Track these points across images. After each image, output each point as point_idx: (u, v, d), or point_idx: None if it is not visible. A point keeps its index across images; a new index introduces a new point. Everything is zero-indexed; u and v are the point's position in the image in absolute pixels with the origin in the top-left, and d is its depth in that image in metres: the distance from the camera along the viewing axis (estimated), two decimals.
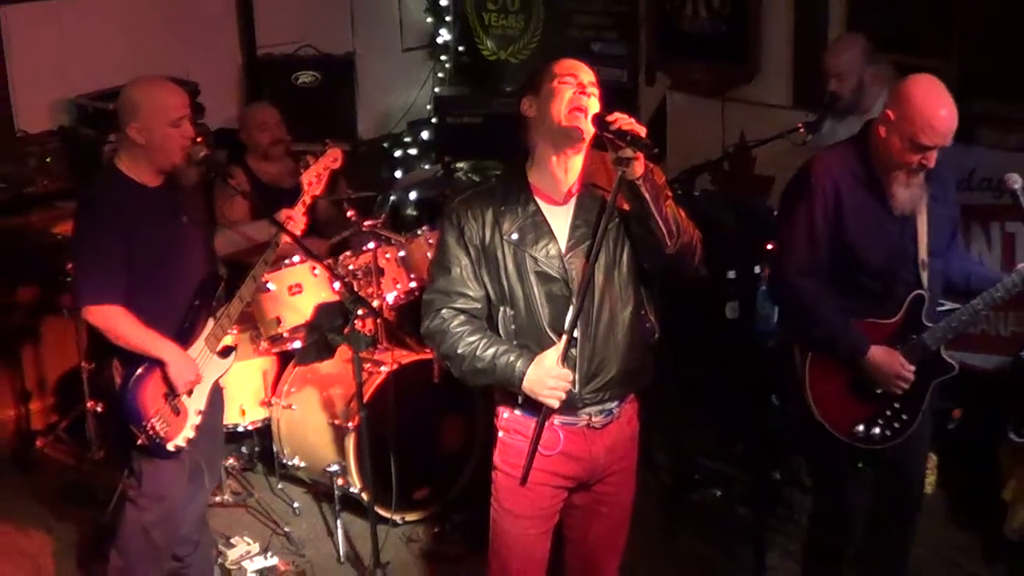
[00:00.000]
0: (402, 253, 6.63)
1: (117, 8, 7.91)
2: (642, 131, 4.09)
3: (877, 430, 4.94)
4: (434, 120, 9.14)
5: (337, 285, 6.20)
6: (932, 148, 4.60)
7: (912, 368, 4.83)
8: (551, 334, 4.27)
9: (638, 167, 4.08)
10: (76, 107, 7.81)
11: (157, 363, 5.11)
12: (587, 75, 4.31)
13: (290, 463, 6.70)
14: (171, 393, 5.17)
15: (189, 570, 5.73)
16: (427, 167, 9.12)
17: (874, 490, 5.27)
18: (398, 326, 6.79)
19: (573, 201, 4.33)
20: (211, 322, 5.34)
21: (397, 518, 6.37)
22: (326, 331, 6.07)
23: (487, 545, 4.59)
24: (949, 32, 6.44)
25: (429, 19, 9.34)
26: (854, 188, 4.82)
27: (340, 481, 6.30)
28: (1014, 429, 5.83)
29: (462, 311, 4.35)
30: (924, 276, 4.84)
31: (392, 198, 8.07)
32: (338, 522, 6.31)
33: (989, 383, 6.50)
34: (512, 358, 4.25)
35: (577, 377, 4.28)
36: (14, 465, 7.20)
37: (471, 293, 4.35)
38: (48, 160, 7.50)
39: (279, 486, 6.88)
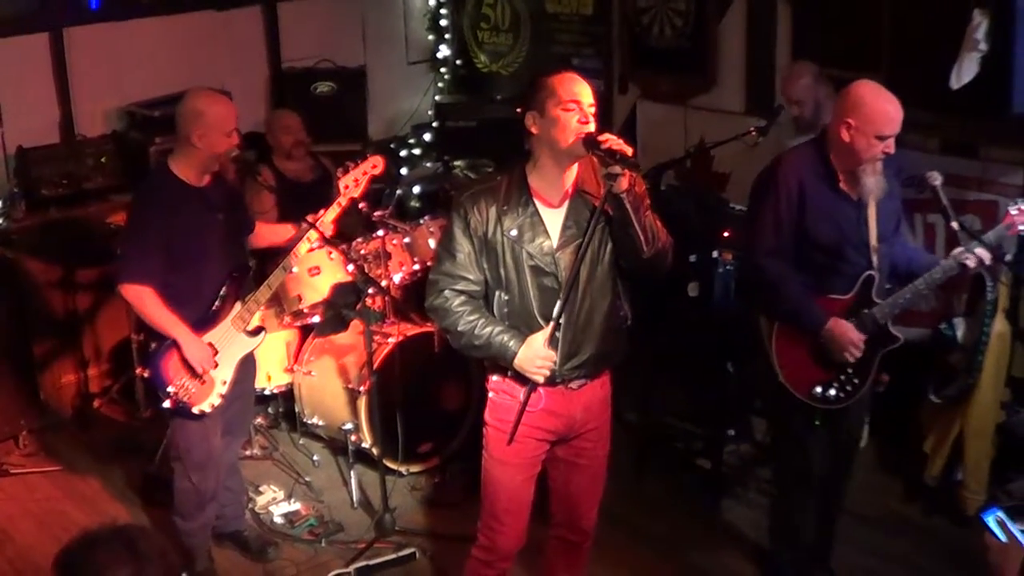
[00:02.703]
0: (407, 239, 6.63)
1: (163, 29, 7.89)
2: (629, 150, 4.09)
3: (832, 392, 4.99)
4: (435, 124, 9.12)
5: (351, 267, 6.19)
6: (892, 135, 4.70)
7: (863, 338, 4.87)
8: (540, 319, 4.31)
9: (624, 182, 4.12)
10: (127, 114, 7.79)
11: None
12: (588, 96, 4.27)
13: (310, 422, 6.70)
14: (192, 367, 5.21)
15: (225, 510, 5.79)
16: (429, 165, 9.10)
17: (823, 435, 5.31)
18: (404, 303, 6.79)
19: (567, 204, 4.34)
20: (239, 305, 5.37)
21: (403, 469, 6.41)
22: (341, 307, 6.07)
23: (480, 491, 4.62)
24: (879, 49, 6.44)
25: (431, 36, 9.31)
26: (815, 183, 4.88)
27: (353, 437, 6.32)
28: (934, 391, 5.85)
29: (463, 292, 4.38)
30: (875, 258, 4.90)
31: (398, 192, 8.06)
32: (352, 473, 6.32)
33: (912, 352, 6.51)
34: (506, 338, 4.29)
35: (558, 356, 4.32)
36: (75, 422, 7.21)
37: (471, 277, 4.38)
38: (103, 160, 7.48)
39: (300, 442, 6.90)
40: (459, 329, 4.35)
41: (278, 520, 6.14)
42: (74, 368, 7.31)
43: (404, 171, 8.97)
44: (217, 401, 5.30)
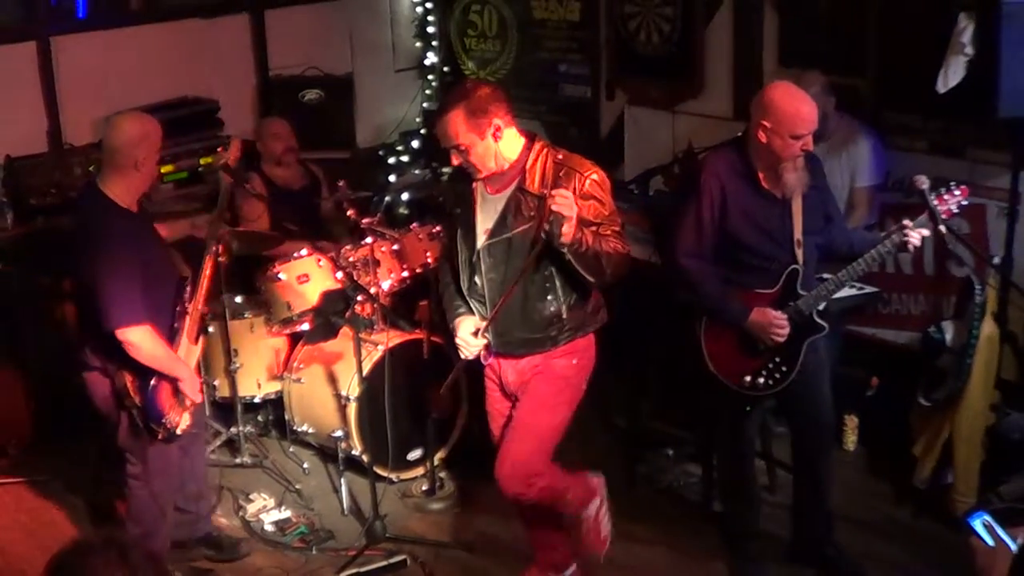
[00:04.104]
0: (396, 246, 6.63)
1: (150, 37, 7.88)
2: (566, 214, 4.31)
3: (762, 380, 5.17)
4: (423, 131, 9.12)
5: (340, 275, 6.19)
6: (808, 134, 4.84)
7: (785, 317, 5.03)
8: (466, 293, 4.85)
9: (563, 238, 4.33)
10: None
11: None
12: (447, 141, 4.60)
13: (300, 429, 6.70)
14: (178, 393, 5.21)
15: (199, 518, 5.87)
16: (417, 172, 9.10)
17: (790, 426, 5.58)
18: (393, 310, 6.79)
19: (507, 193, 4.61)
20: (187, 319, 5.37)
21: (393, 476, 6.40)
22: (330, 315, 6.05)
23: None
24: (865, 55, 6.46)
25: (418, 44, 9.30)
26: (737, 183, 5.04)
27: (343, 445, 6.31)
28: (923, 394, 5.87)
29: (451, 270, 4.93)
30: (799, 253, 5.05)
31: (387, 199, 8.06)
32: (342, 480, 6.30)
33: (902, 355, 6.54)
34: (451, 311, 4.95)
35: (491, 334, 4.80)
36: (65, 432, 7.13)
37: (449, 253, 4.96)
38: (91, 169, 7.42)
39: (291, 449, 6.89)
40: (443, 297, 5.00)
41: (268, 528, 6.13)
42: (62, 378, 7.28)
43: (392, 178, 8.97)
44: (190, 419, 5.34)
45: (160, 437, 5.21)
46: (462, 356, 4.88)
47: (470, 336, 4.79)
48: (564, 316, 4.72)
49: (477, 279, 4.78)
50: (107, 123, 5.37)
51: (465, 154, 4.55)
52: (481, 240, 4.68)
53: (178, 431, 5.26)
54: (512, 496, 4.97)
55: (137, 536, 5.37)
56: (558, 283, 4.66)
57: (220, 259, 6.37)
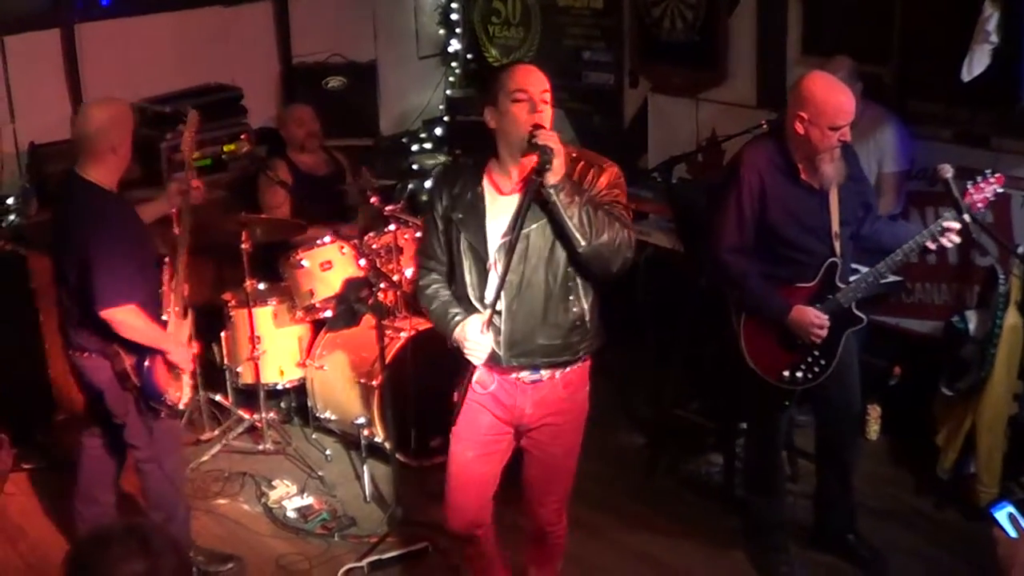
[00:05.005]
0: (419, 234, 6.63)
1: (173, 24, 7.89)
2: (554, 146, 4.11)
3: (800, 374, 5.15)
4: (446, 119, 9.11)
5: (363, 262, 6.20)
6: (846, 124, 4.81)
7: (825, 316, 5.00)
8: (476, 303, 4.39)
9: (551, 177, 4.12)
10: (138, 110, 7.73)
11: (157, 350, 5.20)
12: (539, 85, 4.26)
13: (322, 416, 6.73)
14: (174, 368, 5.26)
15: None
16: (440, 159, 9.11)
17: (817, 416, 5.60)
18: (415, 297, 6.80)
19: (518, 195, 4.33)
20: (172, 295, 5.41)
21: (415, 463, 6.41)
22: (353, 302, 6.08)
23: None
24: (889, 42, 6.43)
25: (441, 31, 9.30)
26: (776, 176, 5.01)
27: (366, 432, 6.32)
28: (946, 383, 5.85)
29: (433, 271, 4.55)
30: (837, 245, 5.03)
31: (410, 186, 8.08)
32: (364, 467, 6.32)
33: (925, 345, 6.52)
34: (450, 317, 4.42)
35: (501, 343, 4.39)
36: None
37: (439, 258, 4.53)
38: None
39: (313, 436, 6.93)
40: (429, 307, 4.53)
41: (291, 515, 6.15)
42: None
43: (415, 166, 8.97)
44: (190, 392, 5.43)
45: (163, 415, 5.28)
46: (474, 362, 4.40)
47: (480, 336, 4.33)
48: (587, 319, 4.44)
49: (488, 284, 4.39)
50: (77, 113, 5.42)
51: (546, 107, 4.28)
52: (496, 242, 4.36)
53: (180, 406, 5.33)
54: (547, 530, 4.86)
55: (159, 522, 5.40)
56: (579, 283, 4.41)
57: (244, 246, 6.41)
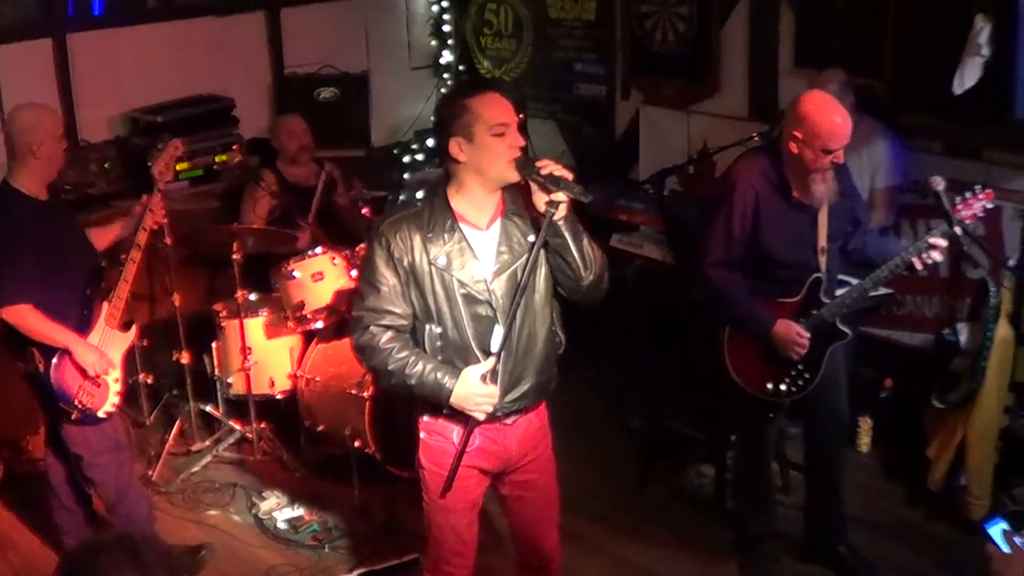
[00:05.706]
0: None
1: (166, 35, 7.90)
2: (570, 175, 3.98)
3: (784, 387, 5.17)
4: None
5: (354, 273, 6.19)
6: (840, 148, 4.79)
7: (807, 335, 5.02)
8: (477, 352, 4.11)
9: (564, 209, 4.00)
10: (131, 120, 7.81)
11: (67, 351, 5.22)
12: (514, 116, 4.09)
13: (313, 427, 6.71)
14: (86, 372, 5.26)
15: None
16: (431, 170, 9.11)
17: (805, 428, 5.62)
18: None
19: (497, 226, 4.15)
20: (106, 305, 5.41)
21: (405, 474, 6.38)
22: (344, 313, 6.07)
23: (484, 498, 4.57)
24: (881, 55, 6.44)
25: (433, 42, 9.31)
26: (770, 193, 5.01)
27: (357, 443, 6.29)
28: (936, 396, 5.86)
29: (390, 327, 4.13)
30: (822, 261, 5.04)
31: (401, 197, 8.07)
32: (355, 478, 6.29)
33: (916, 357, 6.53)
34: (439, 375, 4.06)
35: (499, 390, 4.12)
36: None
37: (398, 311, 4.12)
38: (106, 166, 7.49)
39: (304, 447, 6.89)
40: (389, 368, 4.10)
41: (281, 526, 6.14)
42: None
43: (407, 176, 8.97)
44: (116, 400, 5.39)
45: (74, 417, 5.28)
46: (478, 418, 4.11)
47: (486, 387, 4.06)
48: (563, 346, 4.32)
49: (495, 330, 4.11)
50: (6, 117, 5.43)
51: (512, 132, 4.06)
52: (490, 281, 4.11)
53: (100, 413, 5.32)
54: (552, 566, 4.68)
55: (123, 525, 5.46)
56: (558, 310, 4.29)
57: (235, 256, 6.39)
